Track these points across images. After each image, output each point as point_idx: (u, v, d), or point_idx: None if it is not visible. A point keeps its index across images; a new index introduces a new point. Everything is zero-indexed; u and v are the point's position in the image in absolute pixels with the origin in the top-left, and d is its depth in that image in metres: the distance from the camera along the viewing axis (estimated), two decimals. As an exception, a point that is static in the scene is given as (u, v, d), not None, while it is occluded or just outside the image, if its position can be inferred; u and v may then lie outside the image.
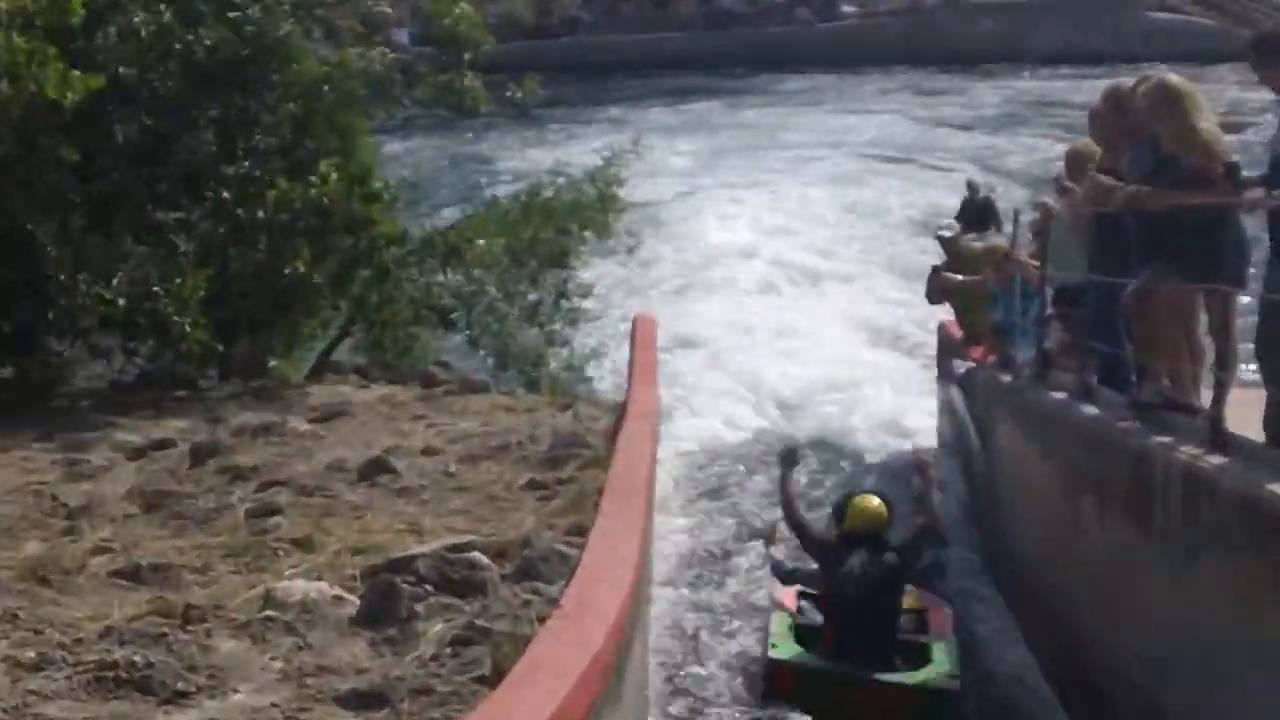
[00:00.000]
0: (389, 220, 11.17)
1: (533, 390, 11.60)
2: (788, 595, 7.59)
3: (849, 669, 6.72)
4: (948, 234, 10.08)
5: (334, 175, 10.50)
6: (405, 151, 21.86)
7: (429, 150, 24.94)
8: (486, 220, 12.29)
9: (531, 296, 12.30)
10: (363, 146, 11.17)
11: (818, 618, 7.21)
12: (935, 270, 9.95)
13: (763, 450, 10.99)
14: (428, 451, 7.58)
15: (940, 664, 6.90)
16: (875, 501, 7.06)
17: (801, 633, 7.13)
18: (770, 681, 6.84)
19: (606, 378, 13.30)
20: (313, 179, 10.51)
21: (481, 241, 11.86)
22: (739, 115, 30.54)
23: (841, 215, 20.91)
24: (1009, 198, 14.27)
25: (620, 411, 8.34)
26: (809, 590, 7.41)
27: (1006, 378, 8.36)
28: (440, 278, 11.88)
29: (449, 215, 14.54)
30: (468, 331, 12.04)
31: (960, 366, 9.73)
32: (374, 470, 6.88)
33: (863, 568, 6.82)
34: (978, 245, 9.77)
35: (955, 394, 9.88)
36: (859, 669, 6.72)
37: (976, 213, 10.97)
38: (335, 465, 7.13)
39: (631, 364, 10.31)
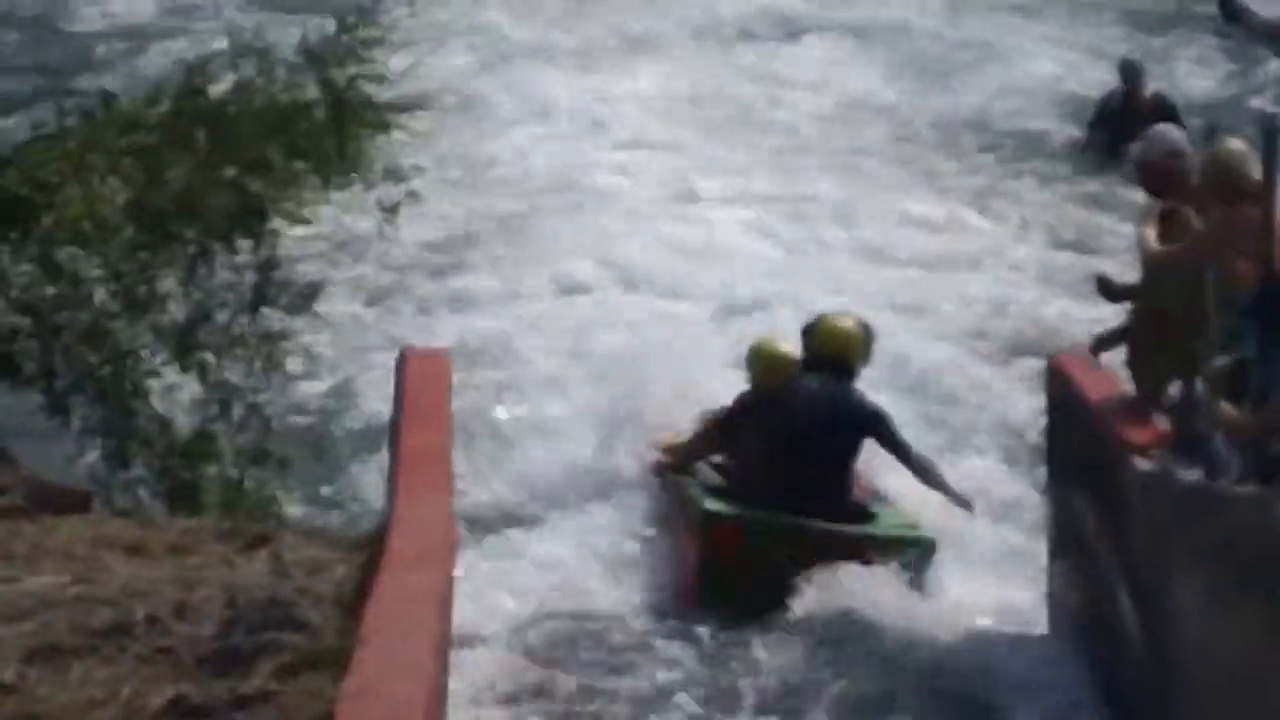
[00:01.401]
0: None
1: (185, 506, 11.63)
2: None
3: (806, 522, 10.42)
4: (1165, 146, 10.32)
5: None
6: None
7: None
8: (81, 143, 12.32)
9: (179, 308, 12.38)
10: None
11: (715, 478, 11.24)
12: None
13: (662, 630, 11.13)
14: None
15: (896, 517, 10.90)
16: (849, 322, 11.28)
17: (719, 494, 10.75)
18: (710, 543, 10.33)
19: (349, 477, 13.76)
20: None
21: (73, 191, 11.92)
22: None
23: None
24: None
25: (372, 550, 8.42)
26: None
27: (1190, 474, 8.70)
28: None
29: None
30: (45, 381, 12.09)
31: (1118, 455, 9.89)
32: None
33: (822, 386, 10.82)
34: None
35: (1081, 505, 10.33)
36: (813, 522, 10.45)
37: (1139, 120, 11.25)
38: None
39: (395, 450, 10.33)
